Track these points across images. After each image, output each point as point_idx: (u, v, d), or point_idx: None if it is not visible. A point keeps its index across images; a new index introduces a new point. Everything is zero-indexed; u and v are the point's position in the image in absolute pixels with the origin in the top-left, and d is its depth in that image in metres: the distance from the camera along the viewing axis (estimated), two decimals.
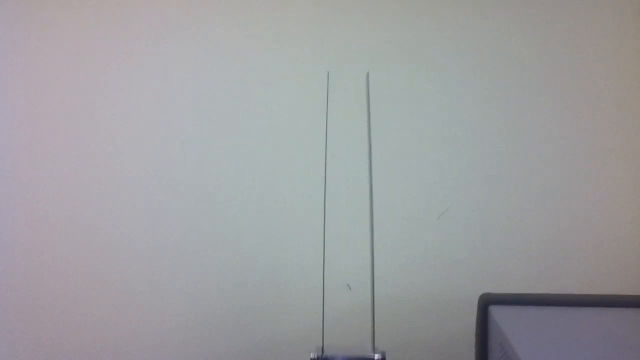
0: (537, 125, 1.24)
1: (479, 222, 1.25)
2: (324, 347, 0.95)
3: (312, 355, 0.94)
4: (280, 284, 1.29)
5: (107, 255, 1.32)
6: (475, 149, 1.25)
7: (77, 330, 1.33)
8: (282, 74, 1.29)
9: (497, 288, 1.03)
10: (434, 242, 1.26)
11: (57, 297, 1.33)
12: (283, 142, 1.29)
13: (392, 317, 1.26)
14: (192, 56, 1.31)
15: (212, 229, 1.30)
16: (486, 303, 0.99)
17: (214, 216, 1.30)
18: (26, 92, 1.33)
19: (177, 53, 1.31)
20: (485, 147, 1.25)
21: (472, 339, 1.03)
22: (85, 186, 1.32)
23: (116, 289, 1.32)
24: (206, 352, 1.31)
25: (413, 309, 1.26)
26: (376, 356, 0.93)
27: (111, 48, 1.32)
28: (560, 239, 1.24)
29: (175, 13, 1.31)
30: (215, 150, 1.30)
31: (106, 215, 1.32)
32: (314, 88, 1.27)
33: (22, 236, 1.34)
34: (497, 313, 0.95)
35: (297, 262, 1.28)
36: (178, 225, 1.31)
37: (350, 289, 1.25)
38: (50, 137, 1.33)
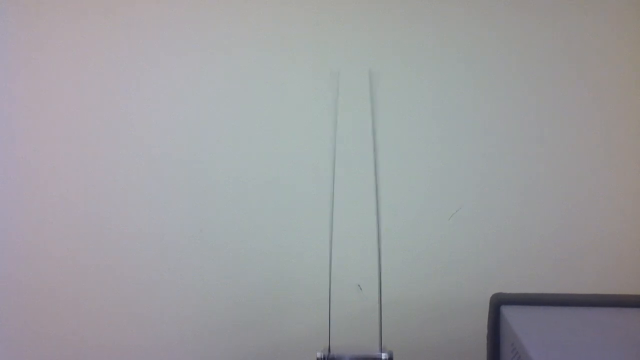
0: (549, 126, 1.23)
1: (489, 222, 1.24)
2: (331, 347, 0.94)
3: (318, 355, 0.93)
4: (287, 284, 1.29)
5: (110, 255, 1.33)
6: (487, 148, 1.24)
7: (78, 329, 1.34)
8: (287, 73, 1.29)
9: (508, 289, 1.02)
10: (444, 242, 1.25)
11: (58, 297, 1.34)
12: (289, 142, 1.29)
13: (401, 318, 1.25)
14: (196, 56, 1.31)
15: (218, 229, 1.30)
16: (498, 303, 0.98)
17: (220, 216, 1.30)
18: (28, 92, 1.34)
19: (181, 54, 1.32)
20: (496, 147, 1.24)
21: (482, 340, 1.01)
22: (87, 186, 1.33)
23: (118, 289, 1.33)
24: (211, 352, 1.31)
25: (422, 309, 1.25)
26: (383, 355, 0.92)
27: (112, 44, 1.33)
28: (572, 240, 1.22)
29: (180, 14, 1.31)
30: (221, 150, 1.30)
31: (109, 215, 1.33)
32: (319, 87, 1.27)
33: (24, 235, 1.35)
34: (509, 313, 0.94)
35: (304, 262, 1.28)
36: (183, 224, 1.31)
37: (361, 289, 1.24)
38: (54, 137, 1.34)
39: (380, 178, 1.23)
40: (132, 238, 1.32)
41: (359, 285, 1.25)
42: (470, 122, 1.25)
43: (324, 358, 0.93)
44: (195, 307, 1.31)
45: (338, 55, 1.27)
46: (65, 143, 1.33)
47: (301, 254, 1.28)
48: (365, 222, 1.24)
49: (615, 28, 1.22)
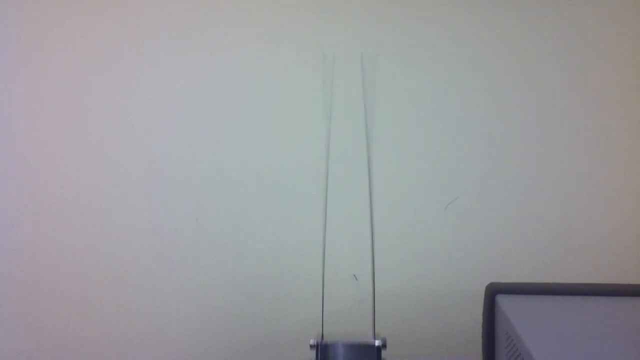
0: (548, 125, 1.23)
1: (484, 212, 1.24)
2: (324, 335, 0.94)
3: (311, 342, 0.92)
4: (282, 276, 1.29)
5: (110, 255, 1.33)
6: (486, 147, 1.24)
7: (78, 327, 1.34)
8: (287, 73, 1.30)
9: (503, 279, 1.01)
10: (439, 232, 1.25)
11: (57, 296, 1.34)
12: (288, 141, 1.29)
13: (396, 310, 1.24)
14: (196, 56, 1.32)
15: (217, 228, 1.30)
16: (493, 292, 0.97)
17: (220, 215, 1.30)
18: (28, 92, 1.35)
19: (181, 54, 1.33)
20: (495, 145, 1.24)
21: (478, 330, 1.01)
22: (87, 186, 1.33)
23: (118, 288, 1.33)
24: (207, 343, 1.31)
25: (417, 299, 1.25)
26: (376, 342, 0.91)
27: (112, 44, 1.34)
28: (569, 236, 1.22)
29: (180, 14, 1.32)
30: (221, 150, 1.31)
31: (109, 215, 1.33)
32: (319, 87, 1.27)
33: (24, 234, 1.35)
34: (504, 302, 0.94)
35: (302, 257, 1.28)
36: (183, 224, 1.31)
37: (356, 279, 1.24)
38: (54, 137, 1.34)
39: (380, 175, 1.24)
40: (132, 238, 1.32)
41: (354, 275, 1.24)
42: (470, 122, 1.25)
43: (317, 345, 0.92)
44: (193, 301, 1.31)
45: (338, 55, 1.27)
46: (65, 143, 1.33)
47: (299, 249, 1.28)
48: (359, 213, 1.24)
49: (615, 28, 1.23)
